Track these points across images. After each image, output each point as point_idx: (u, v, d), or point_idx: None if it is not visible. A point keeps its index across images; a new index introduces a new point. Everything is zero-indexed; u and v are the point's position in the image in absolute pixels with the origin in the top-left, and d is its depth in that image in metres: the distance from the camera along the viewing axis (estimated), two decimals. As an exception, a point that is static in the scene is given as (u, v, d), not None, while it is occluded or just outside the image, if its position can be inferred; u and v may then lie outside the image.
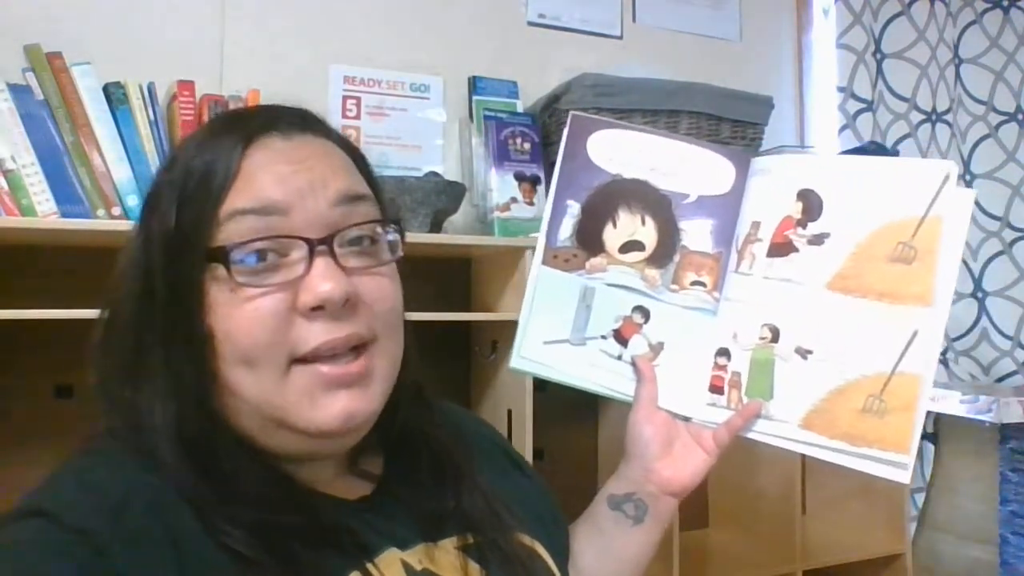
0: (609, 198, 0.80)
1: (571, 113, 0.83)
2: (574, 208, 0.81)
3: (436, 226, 1.36)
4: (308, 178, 0.54)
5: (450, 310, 1.46)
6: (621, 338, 0.80)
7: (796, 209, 0.77)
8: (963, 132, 2.08)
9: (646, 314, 0.80)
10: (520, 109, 1.63)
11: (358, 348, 0.55)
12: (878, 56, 1.99)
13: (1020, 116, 2.10)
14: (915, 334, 0.70)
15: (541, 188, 1.49)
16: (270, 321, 0.52)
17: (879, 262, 0.73)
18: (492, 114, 1.56)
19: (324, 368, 0.53)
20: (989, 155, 2.08)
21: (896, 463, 0.71)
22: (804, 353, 0.74)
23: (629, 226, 0.80)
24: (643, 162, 0.81)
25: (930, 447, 1.98)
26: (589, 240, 0.81)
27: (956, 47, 2.09)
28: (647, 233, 0.80)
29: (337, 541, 0.53)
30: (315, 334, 0.53)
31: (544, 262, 0.81)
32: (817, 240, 0.75)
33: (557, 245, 0.81)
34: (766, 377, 0.76)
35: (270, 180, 0.53)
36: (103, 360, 0.57)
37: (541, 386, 1.34)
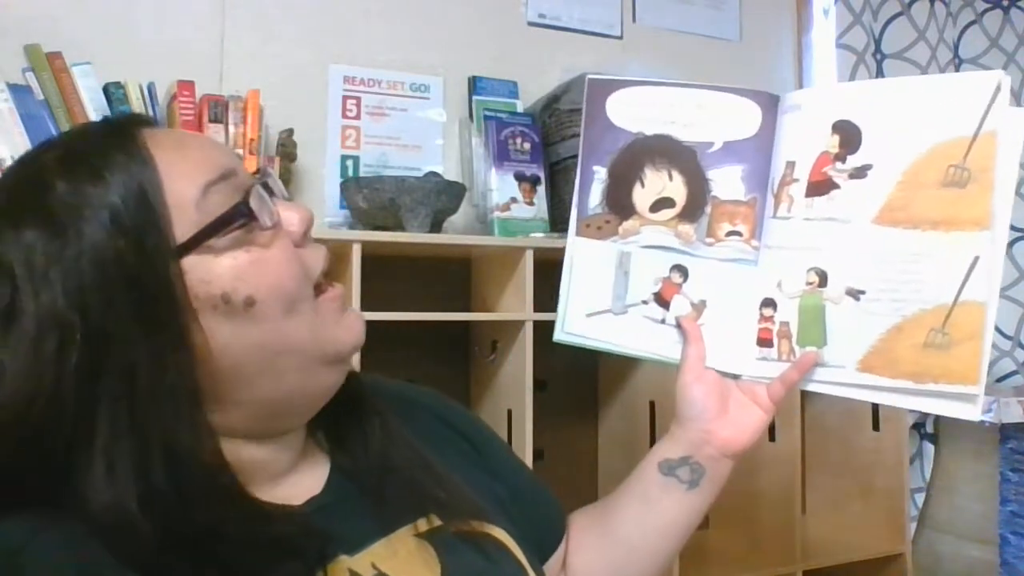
0: (634, 158, 0.78)
1: (588, 77, 0.80)
2: (601, 173, 0.79)
3: (436, 226, 1.36)
4: (220, 145, 0.57)
5: (450, 310, 1.46)
6: (662, 301, 0.78)
7: (832, 143, 0.73)
8: (963, 132, 2.08)
9: (684, 272, 0.78)
10: (520, 109, 1.63)
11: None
12: (878, 56, 1.99)
13: (1020, 116, 2.10)
14: (976, 260, 0.66)
15: (541, 188, 1.49)
16: (295, 255, 0.54)
17: (930, 189, 0.68)
18: (492, 114, 1.56)
19: (330, 294, 0.57)
20: (989, 155, 2.08)
21: (965, 396, 0.67)
22: (856, 294, 0.71)
23: (657, 183, 0.78)
24: (663, 116, 0.79)
25: (930, 447, 1.98)
26: (619, 203, 0.79)
27: (956, 47, 2.09)
28: (675, 188, 0.78)
29: (285, 557, 0.51)
30: (315, 256, 0.56)
31: (578, 233, 0.79)
32: (859, 173, 0.71)
33: (588, 214, 0.79)
34: (817, 324, 0.72)
35: (203, 154, 0.53)
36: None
37: (541, 386, 1.34)
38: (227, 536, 0.49)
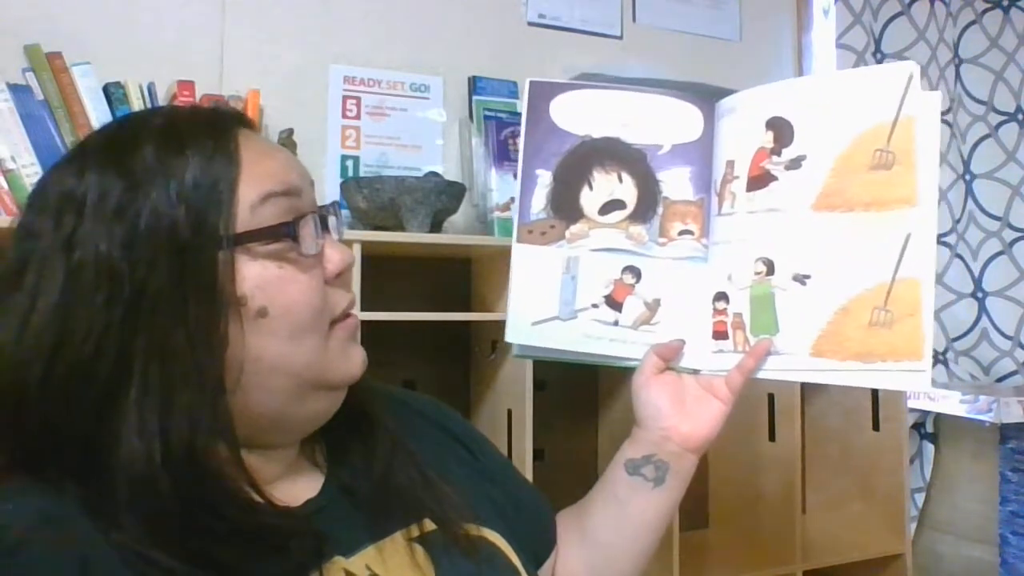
0: (581, 161, 0.78)
1: (529, 80, 0.80)
2: (545, 177, 0.79)
3: (436, 226, 1.36)
4: (298, 166, 0.59)
5: (450, 310, 1.47)
6: (614, 303, 0.78)
7: (767, 139, 0.75)
8: (963, 132, 2.08)
9: (637, 273, 0.78)
10: (520, 109, 1.63)
11: None
12: (878, 56, 1.99)
13: (1020, 116, 2.10)
14: (908, 237, 0.69)
15: (541, 188, 1.49)
16: (321, 289, 0.57)
17: (860, 173, 0.71)
18: (492, 114, 1.56)
19: (346, 323, 0.59)
20: (989, 155, 2.08)
21: (912, 371, 0.69)
22: (802, 279, 0.73)
23: (606, 186, 0.78)
24: (611, 119, 0.79)
25: (930, 447, 1.98)
26: (565, 207, 0.78)
27: (956, 47, 2.09)
28: (626, 190, 0.78)
29: (281, 553, 0.51)
30: (341, 297, 0.59)
31: (520, 240, 0.78)
32: (794, 164, 0.74)
33: (531, 220, 0.79)
34: (768, 311, 0.74)
35: (279, 166, 0.57)
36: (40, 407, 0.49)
37: (541, 386, 1.34)
38: (225, 523, 0.50)
